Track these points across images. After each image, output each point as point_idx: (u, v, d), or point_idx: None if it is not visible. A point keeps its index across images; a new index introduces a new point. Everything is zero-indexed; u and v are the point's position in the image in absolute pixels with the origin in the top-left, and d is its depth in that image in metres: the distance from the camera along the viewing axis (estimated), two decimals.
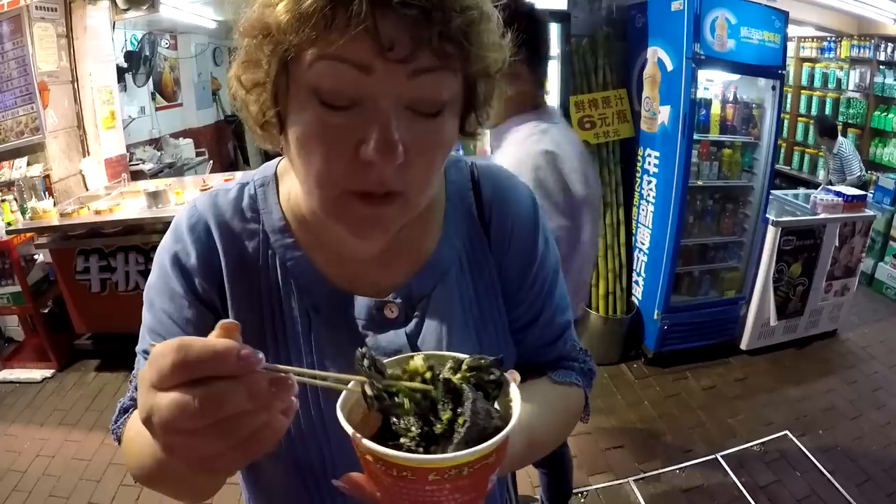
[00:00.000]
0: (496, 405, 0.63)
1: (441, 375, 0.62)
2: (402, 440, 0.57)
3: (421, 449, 0.56)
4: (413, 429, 0.58)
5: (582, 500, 3.20)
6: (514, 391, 0.62)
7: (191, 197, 4.32)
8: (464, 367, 0.63)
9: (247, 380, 0.48)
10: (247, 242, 0.89)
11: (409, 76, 0.66)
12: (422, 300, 0.92)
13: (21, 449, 3.75)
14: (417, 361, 0.63)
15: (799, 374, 4.40)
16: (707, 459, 3.48)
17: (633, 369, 4.45)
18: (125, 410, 0.92)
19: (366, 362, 0.59)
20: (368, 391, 0.58)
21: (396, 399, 0.59)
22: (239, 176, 0.98)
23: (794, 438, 3.62)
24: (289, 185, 0.91)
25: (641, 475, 3.37)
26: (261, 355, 0.49)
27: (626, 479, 3.33)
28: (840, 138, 6.17)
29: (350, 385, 0.60)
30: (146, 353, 0.88)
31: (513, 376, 0.67)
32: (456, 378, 0.61)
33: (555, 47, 4.29)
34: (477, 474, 0.55)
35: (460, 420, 0.57)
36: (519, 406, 0.59)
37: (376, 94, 0.66)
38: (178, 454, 0.49)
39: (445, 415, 0.58)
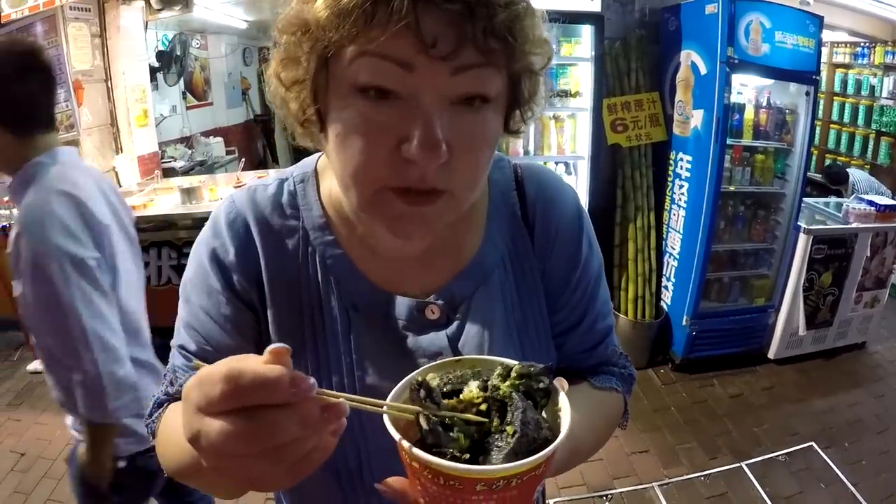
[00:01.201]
0: (544, 414, 0.62)
1: (490, 383, 0.61)
2: (447, 447, 0.56)
3: (467, 457, 0.55)
4: (461, 439, 0.57)
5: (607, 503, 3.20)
6: (564, 401, 0.61)
7: (224, 194, 4.38)
8: (513, 374, 0.62)
9: (299, 408, 0.47)
10: (286, 240, 0.88)
11: (452, 73, 0.65)
12: (463, 302, 0.91)
13: (52, 437, 3.81)
14: (473, 391, 0.61)
15: (826, 386, 4.34)
16: (732, 468, 3.45)
17: (660, 374, 4.43)
18: (160, 405, 0.90)
19: (422, 392, 0.58)
20: (423, 424, 0.56)
21: (452, 434, 0.57)
22: (272, 174, 0.97)
23: (819, 450, 3.58)
24: (329, 181, 0.90)
25: (666, 481, 3.35)
26: (312, 381, 0.47)
27: (650, 484, 3.32)
28: (851, 177, 5.93)
29: (402, 406, 0.59)
30: (182, 348, 0.88)
31: (560, 384, 0.66)
32: (505, 386, 0.60)
33: (588, 50, 4.30)
34: (525, 486, 0.54)
35: (509, 430, 0.56)
36: (569, 417, 0.58)
37: (419, 90, 0.65)
38: (225, 473, 0.49)
39: (494, 423, 0.57)
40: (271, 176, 0.95)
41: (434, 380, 0.63)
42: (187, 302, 0.88)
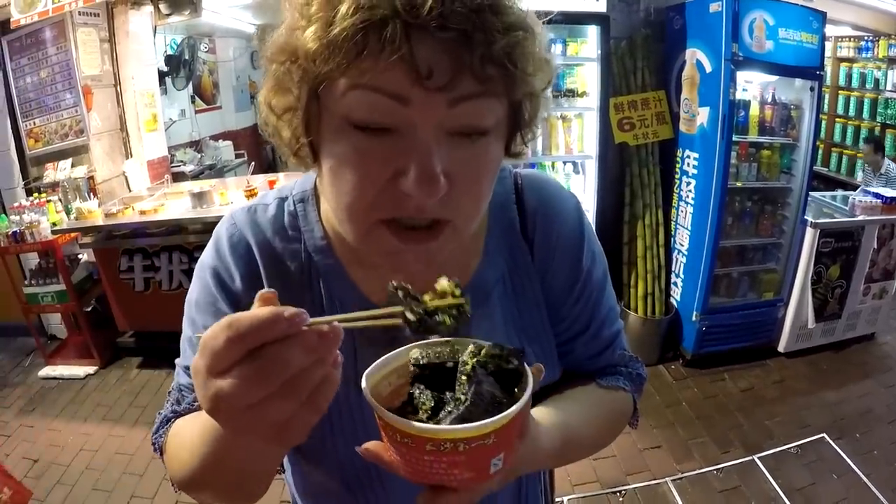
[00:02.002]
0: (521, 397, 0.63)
1: (461, 359, 0.63)
2: (419, 413, 0.60)
3: (430, 422, 0.58)
4: (426, 403, 0.61)
5: (620, 500, 3.21)
6: (529, 385, 0.62)
7: (234, 198, 4.42)
8: (482, 352, 0.64)
9: (298, 338, 0.49)
10: (289, 263, 0.88)
11: (449, 104, 0.63)
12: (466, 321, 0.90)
13: (65, 443, 3.84)
14: (443, 282, 0.65)
15: (836, 378, 4.35)
16: (744, 461, 3.46)
17: (672, 370, 4.44)
18: (167, 421, 0.90)
19: (400, 293, 0.62)
20: (410, 317, 0.61)
21: (437, 317, 0.62)
22: (281, 178, 0.96)
23: (830, 441, 3.59)
24: None
25: (679, 475, 3.36)
26: (304, 312, 0.50)
27: (663, 479, 3.33)
28: (887, 160, 6.09)
29: (387, 311, 0.62)
30: (188, 368, 0.85)
31: (535, 370, 0.65)
32: (472, 361, 0.62)
33: (594, 50, 4.31)
34: (473, 453, 0.56)
35: (462, 398, 0.58)
36: (524, 399, 0.59)
37: (415, 123, 0.63)
38: (252, 429, 0.51)
39: (458, 393, 0.60)
40: (270, 194, 0.94)
41: (416, 353, 0.67)
42: (192, 324, 0.88)
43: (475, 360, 0.63)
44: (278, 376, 0.48)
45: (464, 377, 0.61)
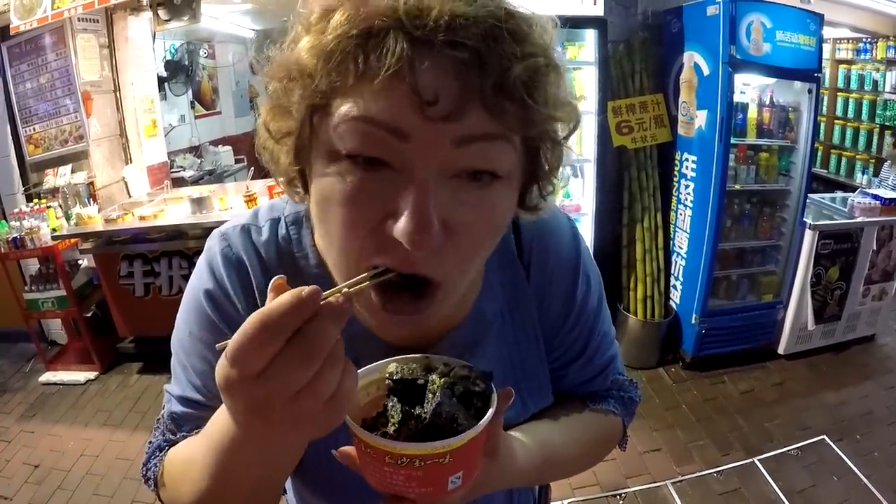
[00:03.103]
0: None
1: (430, 377, 0.65)
2: (388, 426, 0.61)
3: (396, 435, 0.60)
4: (395, 416, 0.62)
5: (620, 503, 3.21)
6: (491, 408, 0.62)
7: (234, 203, 4.42)
8: (451, 373, 0.65)
9: (326, 311, 0.49)
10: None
11: (455, 143, 0.55)
12: (463, 353, 0.83)
13: (65, 449, 3.84)
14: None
15: (836, 379, 4.35)
16: (744, 463, 3.46)
17: (671, 373, 4.44)
18: (159, 449, 0.86)
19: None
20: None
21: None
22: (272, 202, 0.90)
23: (831, 443, 3.59)
24: None
25: (679, 478, 3.36)
26: (319, 289, 0.49)
27: (663, 482, 3.33)
28: None
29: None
30: (184, 399, 0.84)
31: (505, 393, 0.65)
32: (440, 381, 0.63)
33: (591, 54, 4.31)
34: (429, 469, 0.57)
35: (423, 416, 0.60)
36: (483, 423, 0.59)
37: (414, 161, 0.56)
38: (302, 415, 0.50)
39: (422, 411, 0.61)
40: (262, 214, 0.87)
41: (392, 367, 0.67)
42: (186, 355, 0.83)
43: (442, 379, 0.64)
44: (322, 349, 0.48)
45: (430, 394, 0.62)
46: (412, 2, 0.52)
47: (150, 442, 0.88)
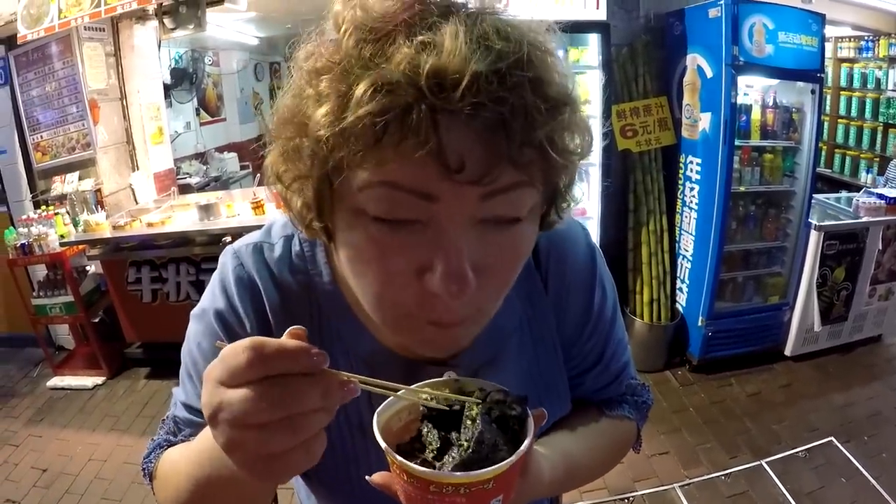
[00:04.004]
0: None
1: (467, 404, 0.65)
2: (426, 452, 0.63)
3: (436, 462, 0.61)
4: (433, 443, 0.63)
5: None
6: (530, 433, 0.63)
7: (241, 210, 4.44)
8: (488, 398, 0.66)
9: (321, 378, 0.49)
10: (298, 306, 0.83)
11: (481, 198, 0.56)
12: (481, 368, 0.85)
13: (73, 453, 3.86)
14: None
15: (843, 381, 4.34)
16: (752, 466, 3.45)
17: (678, 376, 4.43)
18: (159, 447, 0.88)
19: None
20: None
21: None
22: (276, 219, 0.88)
23: (838, 445, 3.58)
24: None
25: (687, 481, 3.36)
26: (326, 355, 0.49)
27: (671, 485, 3.33)
28: None
29: (400, 393, 0.64)
30: (188, 406, 0.86)
31: (538, 415, 0.66)
32: (477, 408, 0.64)
33: (595, 57, 4.31)
34: (473, 495, 0.59)
35: (465, 445, 0.60)
36: (524, 447, 0.61)
37: (440, 217, 0.56)
38: (244, 450, 0.49)
39: (462, 439, 0.62)
40: (275, 230, 0.87)
41: (425, 394, 0.68)
42: (195, 366, 0.85)
43: (479, 406, 0.64)
44: (288, 407, 0.47)
45: (468, 421, 0.63)
46: (431, 69, 0.50)
47: (154, 438, 0.91)
